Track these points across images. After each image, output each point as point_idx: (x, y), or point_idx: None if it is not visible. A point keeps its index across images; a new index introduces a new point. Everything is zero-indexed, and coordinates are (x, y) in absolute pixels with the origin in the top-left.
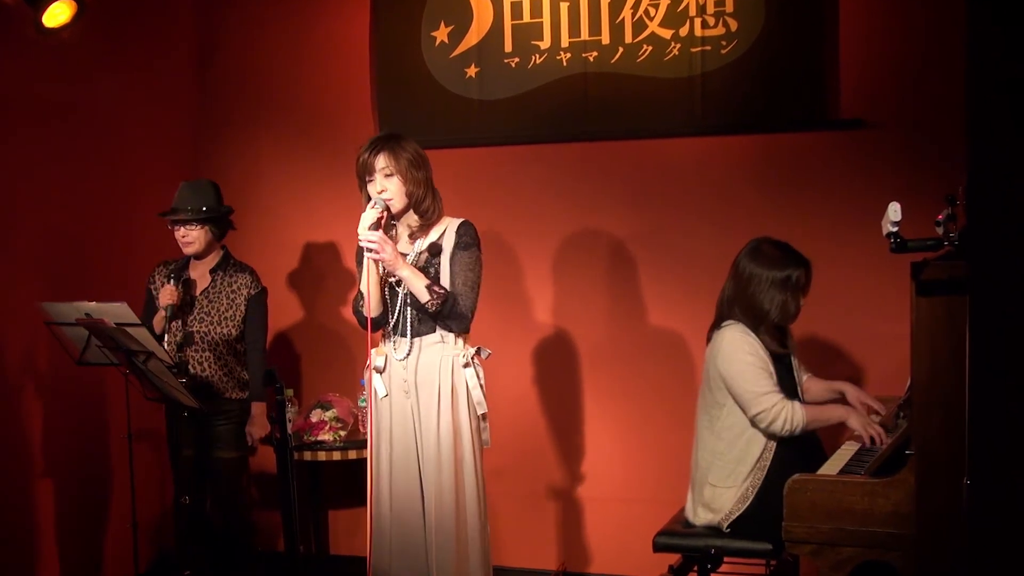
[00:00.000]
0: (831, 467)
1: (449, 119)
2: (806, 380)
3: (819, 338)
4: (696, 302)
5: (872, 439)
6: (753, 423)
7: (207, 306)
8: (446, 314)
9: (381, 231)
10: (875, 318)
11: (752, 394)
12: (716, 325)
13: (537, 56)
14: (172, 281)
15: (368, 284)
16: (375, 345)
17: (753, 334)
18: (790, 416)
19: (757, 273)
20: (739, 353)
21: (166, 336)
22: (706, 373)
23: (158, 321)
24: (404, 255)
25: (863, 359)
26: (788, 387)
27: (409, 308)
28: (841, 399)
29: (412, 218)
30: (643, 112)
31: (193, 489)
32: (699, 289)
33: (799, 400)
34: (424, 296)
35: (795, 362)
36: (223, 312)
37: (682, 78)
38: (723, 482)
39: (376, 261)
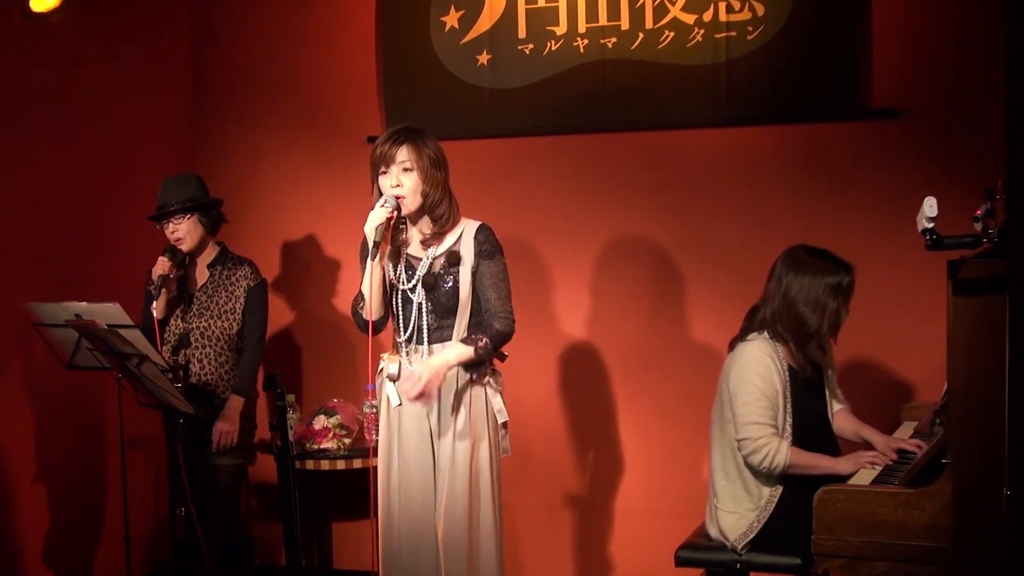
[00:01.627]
0: (863, 477)
1: (459, 109)
2: (838, 411)
3: (850, 341)
4: (723, 302)
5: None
6: (737, 447)
7: (206, 301)
8: (497, 347)
9: (423, 387)
10: (910, 319)
11: (743, 418)
12: (741, 336)
13: (553, 42)
14: (166, 253)
15: (370, 285)
16: (378, 350)
17: (776, 355)
18: (772, 453)
19: (804, 284)
20: (749, 373)
21: (165, 332)
22: (720, 383)
23: (160, 306)
24: (417, 259)
25: (896, 363)
26: (807, 409)
27: (425, 319)
28: (866, 446)
29: (425, 224)
30: (664, 102)
31: (190, 499)
32: (725, 288)
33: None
34: (471, 354)
35: (828, 383)
36: (222, 305)
37: (706, 65)
38: (728, 506)
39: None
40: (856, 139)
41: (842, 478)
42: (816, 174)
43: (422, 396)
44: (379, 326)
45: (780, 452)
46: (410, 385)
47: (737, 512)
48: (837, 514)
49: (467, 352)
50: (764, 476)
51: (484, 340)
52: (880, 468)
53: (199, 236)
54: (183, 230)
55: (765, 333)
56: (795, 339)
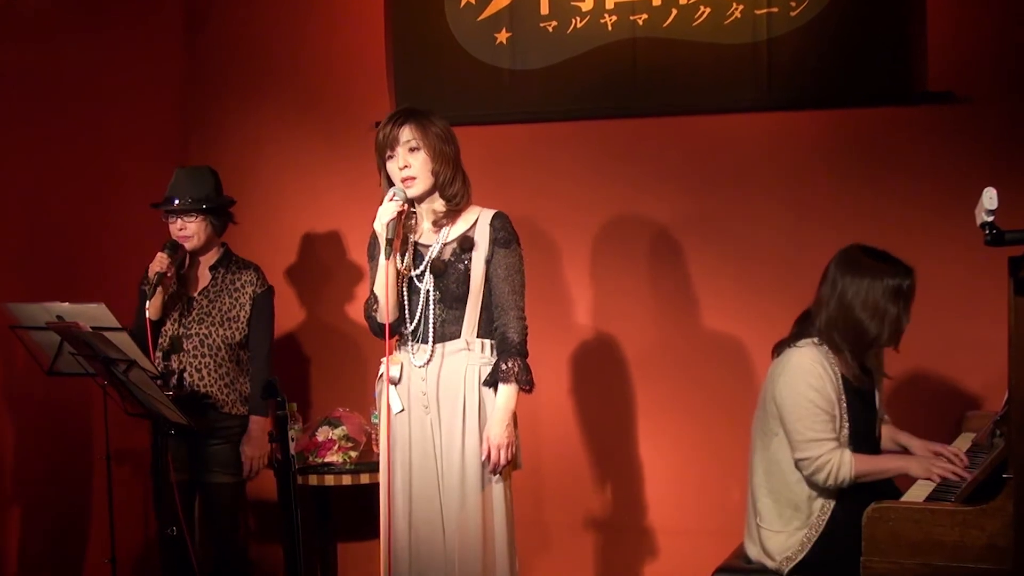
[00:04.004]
0: (916, 493)
1: (476, 91)
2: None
3: (903, 345)
4: (761, 301)
5: (945, 478)
6: (796, 466)
7: (207, 306)
8: (525, 358)
9: (495, 461)
10: (967, 321)
11: (800, 436)
12: (790, 341)
13: (578, 19)
14: (165, 250)
15: (386, 286)
16: (391, 353)
17: (828, 363)
18: (835, 468)
19: (861, 288)
20: (801, 385)
21: (162, 328)
22: (764, 391)
23: (154, 307)
24: (426, 246)
25: (953, 370)
26: (861, 420)
27: (432, 309)
28: (904, 452)
29: (437, 203)
30: (700, 84)
31: (181, 519)
32: (764, 286)
33: (872, 443)
34: (518, 389)
35: (879, 394)
36: (225, 312)
37: (745, 44)
38: (773, 525)
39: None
40: (909, 125)
41: (894, 492)
42: (865, 163)
43: (497, 464)
44: (395, 329)
45: (844, 465)
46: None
47: (784, 532)
48: (888, 534)
49: (511, 392)
50: (819, 490)
51: (513, 363)
52: (952, 480)
53: (207, 236)
54: (192, 229)
55: (816, 340)
56: (853, 348)
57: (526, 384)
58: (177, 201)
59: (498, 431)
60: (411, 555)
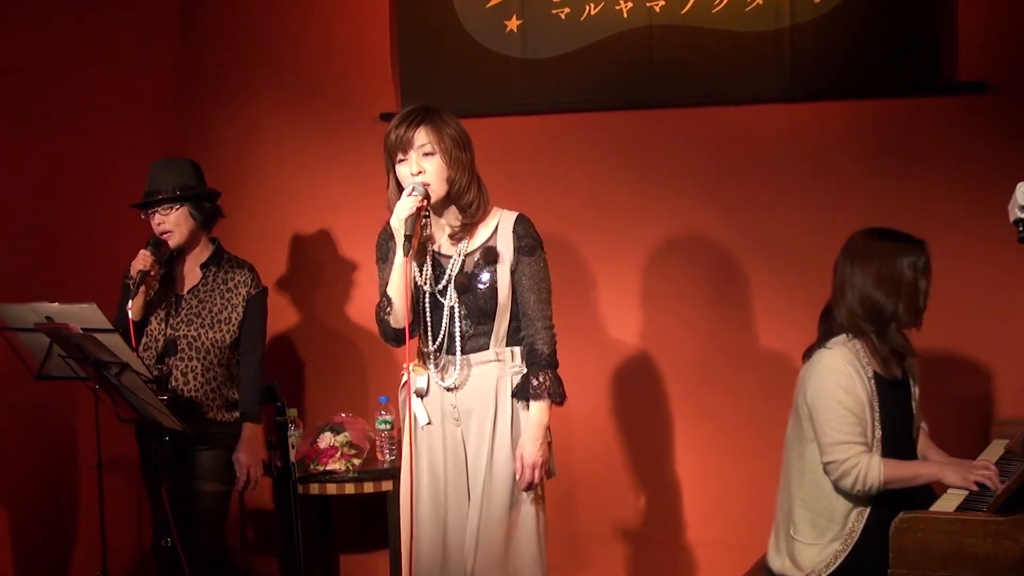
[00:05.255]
0: (947, 503)
1: (485, 82)
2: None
3: (931, 346)
4: (792, 306)
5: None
6: (824, 471)
7: (196, 306)
8: (555, 369)
9: (528, 479)
10: (1000, 321)
11: (828, 439)
12: (820, 343)
13: (592, 6)
14: (148, 246)
15: (403, 287)
16: (410, 360)
17: (859, 362)
18: (863, 473)
19: (871, 269)
20: (830, 385)
21: (143, 340)
22: (796, 396)
23: (136, 307)
24: (447, 257)
25: (985, 372)
26: (896, 419)
27: (458, 325)
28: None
29: (452, 216)
30: (720, 73)
31: (173, 529)
32: (793, 288)
33: (908, 447)
34: (550, 404)
35: (915, 393)
36: (216, 314)
37: (767, 32)
38: (804, 537)
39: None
40: (939, 117)
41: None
42: (893, 157)
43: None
44: (409, 334)
45: (872, 470)
46: (519, 479)
47: (818, 544)
48: (918, 545)
49: (543, 408)
50: (854, 499)
51: (544, 376)
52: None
53: (189, 230)
54: (171, 222)
55: (844, 336)
56: (876, 329)
57: (558, 397)
58: (151, 194)
59: (531, 449)
60: (435, 570)
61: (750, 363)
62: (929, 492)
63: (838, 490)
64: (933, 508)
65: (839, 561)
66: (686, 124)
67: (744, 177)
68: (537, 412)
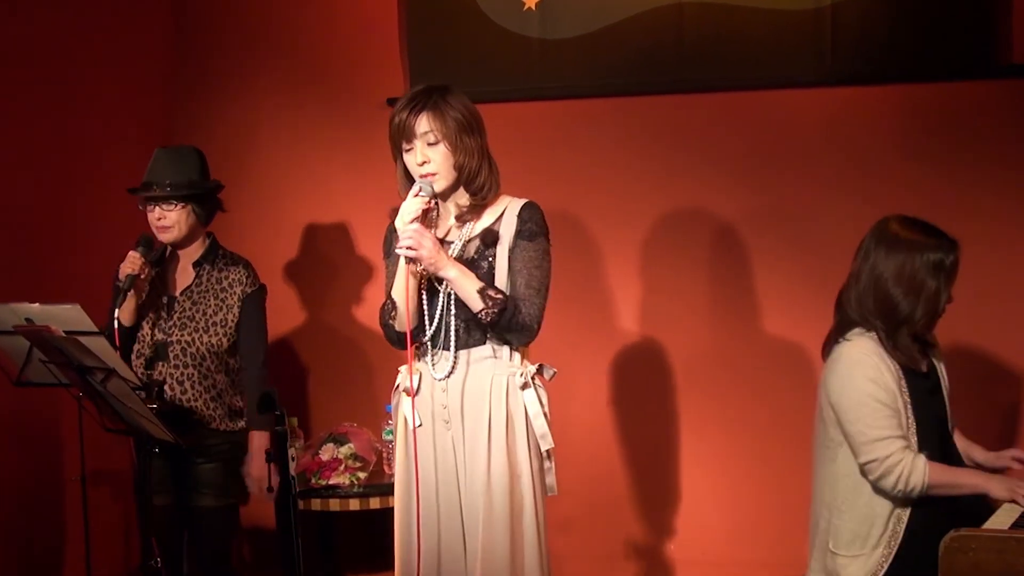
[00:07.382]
0: (1000, 520)
1: (502, 64)
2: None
3: (969, 346)
4: (823, 302)
5: None
6: (862, 472)
7: (190, 308)
8: (504, 325)
9: (418, 223)
10: None
11: (864, 437)
12: (837, 335)
13: None
14: (138, 248)
15: (406, 290)
16: (404, 363)
17: (884, 349)
18: (907, 473)
19: (897, 260)
20: (856, 379)
21: (135, 347)
22: (819, 398)
23: (126, 312)
24: (449, 243)
25: None
26: (928, 411)
27: (453, 315)
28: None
29: (462, 196)
30: (755, 55)
31: (166, 548)
32: (828, 283)
33: (946, 444)
34: (477, 304)
35: (945, 384)
36: (210, 316)
37: (807, 11)
38: (846, 550)
39: (413, 260)
40: (990, 102)
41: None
42: (940, 145)
43: (407, 246)
44: (415, 336)
45: (916, 471)
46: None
47: (862, 554)
48: (969, 565)
49: (474, 285)
50: (894, 499)
51: (500, 298)
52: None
53: (190, 227)
54: (172, 219)
55: (860, 328)
56: (885, 327)
57: (490, 303)
58: (156, 187)
59: (430, 244)
60: None
61: (776, 364)
62: (980, 511)
63: (878, 491)
64: (986, 525)
65: (883, 569)
66: (718, 110)
67: (779, 167)
68: (461, 271)
